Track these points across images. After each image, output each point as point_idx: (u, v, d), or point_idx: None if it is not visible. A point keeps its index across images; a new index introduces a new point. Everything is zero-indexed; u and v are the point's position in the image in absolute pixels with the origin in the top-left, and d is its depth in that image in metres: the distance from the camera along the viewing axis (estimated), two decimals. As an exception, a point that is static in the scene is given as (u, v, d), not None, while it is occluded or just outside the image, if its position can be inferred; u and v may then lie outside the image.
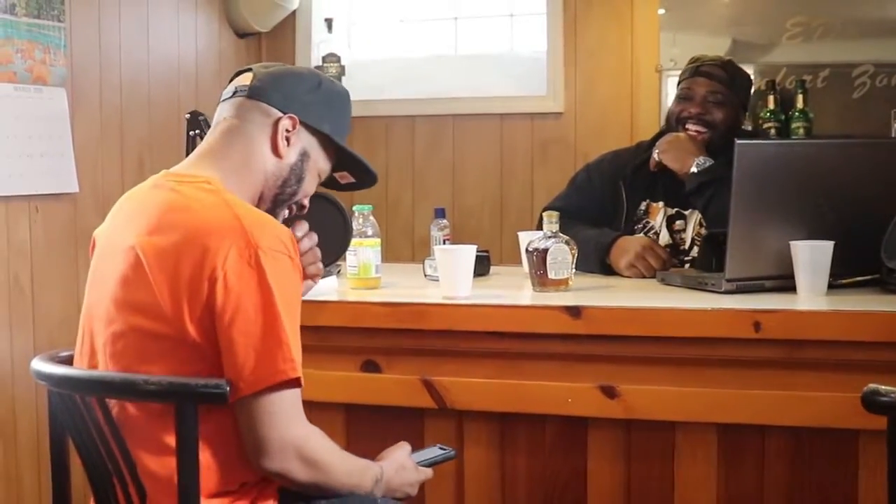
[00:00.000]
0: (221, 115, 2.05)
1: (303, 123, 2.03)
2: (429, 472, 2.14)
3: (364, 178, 2.23)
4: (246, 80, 2.05)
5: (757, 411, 2.34)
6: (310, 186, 2.09)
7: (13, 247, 3.37)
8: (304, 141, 2.05)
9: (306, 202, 2.11)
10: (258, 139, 2.00)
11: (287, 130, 2.01)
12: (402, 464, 2.07)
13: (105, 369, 1.90)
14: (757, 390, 2.33)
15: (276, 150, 2.01)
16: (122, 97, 3.88)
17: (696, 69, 3.24)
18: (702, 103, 3.18)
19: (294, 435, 1.83)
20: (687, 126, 3.18)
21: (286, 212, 2.08)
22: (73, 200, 3.63)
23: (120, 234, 1.95)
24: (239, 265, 1.79)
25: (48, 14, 3.48)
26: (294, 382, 1.82)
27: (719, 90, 3.19)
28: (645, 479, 2.45)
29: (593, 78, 4.39)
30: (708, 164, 3.05)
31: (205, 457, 1.83)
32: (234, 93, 2.05)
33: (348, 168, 2.19)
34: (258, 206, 2.00)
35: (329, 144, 2.10)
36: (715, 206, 2.98)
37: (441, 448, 2.23)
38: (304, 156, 2.05)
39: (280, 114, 2.01)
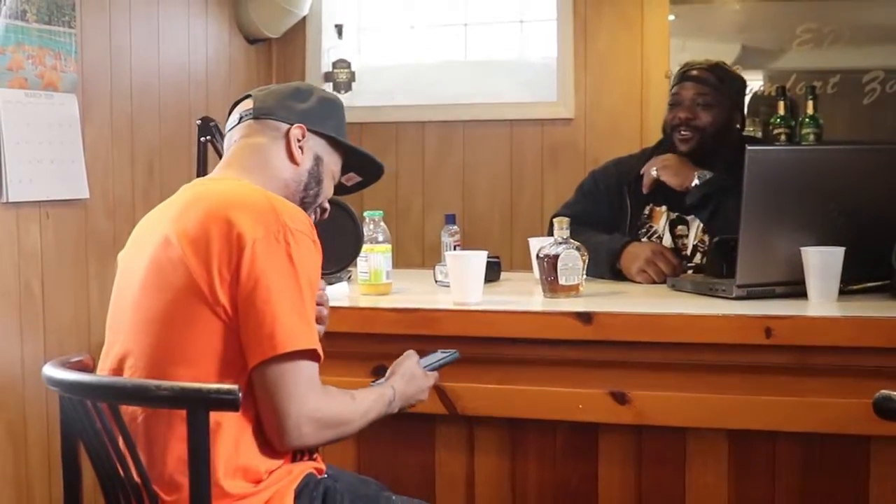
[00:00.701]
0: (232, 139, 2.15)
1: (310, 130, 2.13)
2: (436, 375, 2.26)
3: (371, 172, 2.31)
4: (247, 105, 2.15)
5: (768, 417, 2.33)
6: (328, 188, 2.18)
7: (24, 252, 3.37)
8: (315, 146, 2.15)
9: (327, 206, 2.20)
10: (274, 152, 2.10)
11: (298, 139, 2.11)
12: (412, 373, 2.19)
13: (134, 356, 1.93)
14: (768, 396, 2.33)
15: (292, 158, 2.11)
16: (133, 103, 3.88)
17: (683, 74, 3.24)
18: (690, 107, 3.17)
19: (311, 409, 1.88)
20: (681, 132, 3.17)
21: (312, 216, 2.15)
22: (84, 206, 3.63)
23: (147, 233, 2.02)
24: (267, 239, 1.87)
25: (59, 20, 3.48)
26: (311, 354, 1.88)
27: (706, 92, 3.17)
28: (655, 485, 2.45)
29: (603, 84, 4.39)
30: (708, 176, 3.05)
31: (244, 436, 1.88)
32: (240, 119, 2.15)
33: (354, 167, 2.27)
34: None
35: (335, 145, 2.19)
36: (720, 216, 3.00)
37: (443, 352, 2.31)
38: (317, 159, 2.14)
39: (288, 126, 2.11)
